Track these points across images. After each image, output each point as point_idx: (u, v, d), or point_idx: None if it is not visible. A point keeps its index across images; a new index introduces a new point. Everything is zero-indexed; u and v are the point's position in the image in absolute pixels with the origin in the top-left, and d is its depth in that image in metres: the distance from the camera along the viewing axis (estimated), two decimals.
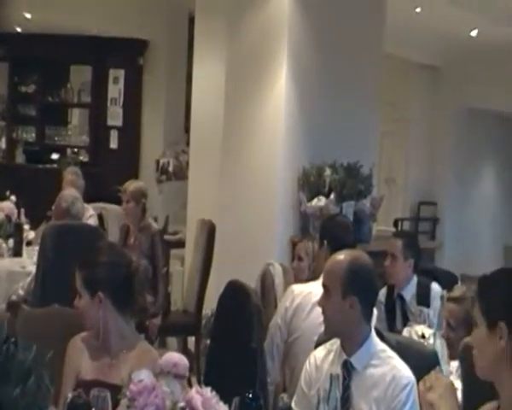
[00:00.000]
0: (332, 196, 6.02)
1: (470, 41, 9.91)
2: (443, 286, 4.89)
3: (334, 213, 5.75)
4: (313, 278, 4.04)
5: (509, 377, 2.11)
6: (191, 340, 6.30)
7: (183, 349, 6.22)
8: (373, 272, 2.95)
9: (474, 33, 9.52)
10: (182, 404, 2.21)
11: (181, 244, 7.56)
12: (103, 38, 9.46)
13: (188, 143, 7.83)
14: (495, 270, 2.22)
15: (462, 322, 3.55)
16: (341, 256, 2.95)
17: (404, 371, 2.85)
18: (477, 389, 2.36)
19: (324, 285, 2.96)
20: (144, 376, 2.27)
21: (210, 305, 5.47)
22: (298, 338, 3.93)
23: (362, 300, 2.88)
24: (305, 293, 3.94)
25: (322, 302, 2.96)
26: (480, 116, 11.53)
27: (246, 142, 6.26)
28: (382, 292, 5.02)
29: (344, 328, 2.90)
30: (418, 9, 8.41)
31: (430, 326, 4.19)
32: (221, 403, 2.28)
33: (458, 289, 3.63)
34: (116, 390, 2.42)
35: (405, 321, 4.72)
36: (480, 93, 11.07)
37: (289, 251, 5.84)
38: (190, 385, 2.49)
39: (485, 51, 10.47)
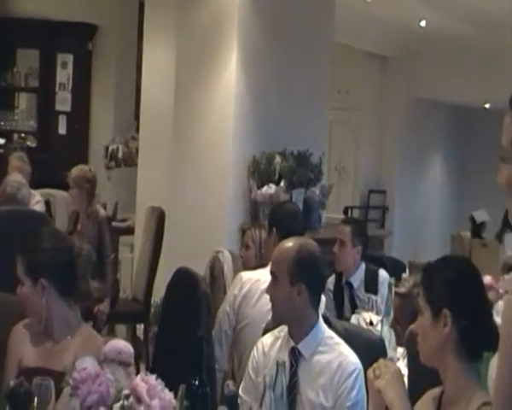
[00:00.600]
0: (282, 183, 6.03)
1: (420, 31, 10.00)
2: (390, 273, 4.94)
3: (283, 200, 5.75)
4: (262, 265, 4.03)
5: (452, 363, 2.12)
6: (140, 328, 6.26)
7: (132, 337, 6.17)
8: (320, 259, 2.95)
9: (423, 23, 9.60)
10: (126, 392, 2.18)
11: (130, 231, 7.50)
12: (52, 21, 9.29)
13: (137, 130, 7.75)
14: (439, 258, 2.24)
15: (408, 316, 3.59)
16: (289, 244, 2.95)
17: (351, 358, 2.86)
18: (422, 376, 2.38)
19: (272, 273, 2.95)
20: (88, 363, 2.24)
21: (159, 292, 5.44)
22: (246, 325, 3.93)
23: (309, 287, 2.88)
24: (253, 280, 3.94)
25: (270, 290, 2.96)
26: (429, 106, 11.66)
27: (196, 129, 6.23)
28: (331, 280, 5.05)
29: (292, 315, 2.90)
30: None
31: (378, 313, 4.22)
32: (166, 390, 2.26)
33: (405, 285, 3.65)
34: (60, 378, 2.38)
35: (354, 308, 4.74)
36: (429, 83, 11.19)
37: (239, 239, 5.83)
38: (139, 373, 2.46)
39: (435, 42, 10.58)
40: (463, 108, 12.34)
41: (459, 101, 11.71)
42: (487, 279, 3.34)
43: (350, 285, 4.99)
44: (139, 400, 2.14)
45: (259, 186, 6.05)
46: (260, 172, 6.10)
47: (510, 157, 1.56)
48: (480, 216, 9.81)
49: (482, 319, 2.13)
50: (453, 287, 2.14)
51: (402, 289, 3.56)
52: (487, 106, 11.78)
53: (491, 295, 2.60)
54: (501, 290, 3.20)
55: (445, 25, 9.51)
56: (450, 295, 2.13)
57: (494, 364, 1.55)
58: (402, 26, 9.87)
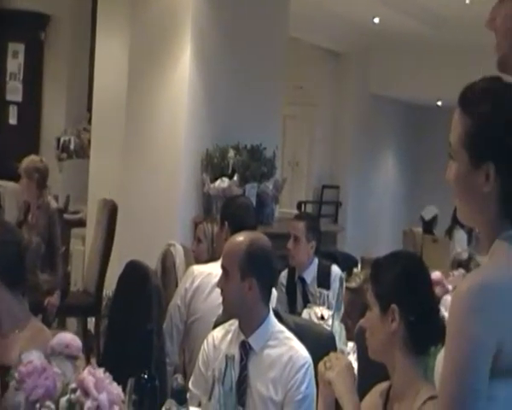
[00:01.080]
0: (235, 177, 6.03)
1: (373, 28, 10.07)
2: (343, 268, 4.97)
3: (236, 194, 5.74)
4: (214, 259, 4.02)
5: (400, 358, 2.14)
6: (91, 321, 6.21)
7: (83, 330, 6.12)
8: (271, 253, 2.95)
9: (376, 20, 9.67)
10: (73, 385, 2.15)
11: (82, 224, 7.43)
12: (3, 10, 9.14)
13: (90, 122, 7.67)
14: (388, 253, 2.25)
15: (358, 311, 3.62)
16: (240, 238, 2.94)
17: (302, 352, 2.87)
18: (371, 370, 2.40)
19: (223, 267, 2.95)
20: (34, 357, 2.21)
21: (111, 285, 5.39)
22: (197, 319, 3.91)
23: (260, 281, 2.88)
24: (205, 274, 3.92)
25: (221, 284, 2.95)
26: (383, 102, 11.75)
27: (149, 122, 6.20)
28: (284, 274, 5.06)
29: (242, 309, 2.90)
30: None
31: (329, 308, 4.25)
32: (115, 384, 2.24)
33: (356, 279, 3.68)
34: (6, 372, 2.34)
35: (306, 303, 4.76)
36: (383, 80, 11.28)
37: (192, 232, 5.81)
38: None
39: (388, 39, 10.67)
40: (416, 105, 12.47)
41: (412, 98, 11.83)
42: (436, 275, 3.38)
43: (303, 280, 5.00)
44: (86, 393, 2.11)
45: (212, 180, 6.04)
46: (213, 165, 6.09)
47: (458, 154, 1.57)
48: (429, 213, 9.92)
49: (429, 314, 2.15)
50: (401, 282, 2.16)
51: (353, 284, 3.59)
52: (439, 103, 11.92)
53: (438, 290, 2.64)
54: (450, 286, 3.24)
55: (398, 22, 9.59)
56: (398, 291, 2.15)
57: (440, 358, 1.57)
58: (356, 22, 9.93)
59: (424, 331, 2.13)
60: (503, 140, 1.50)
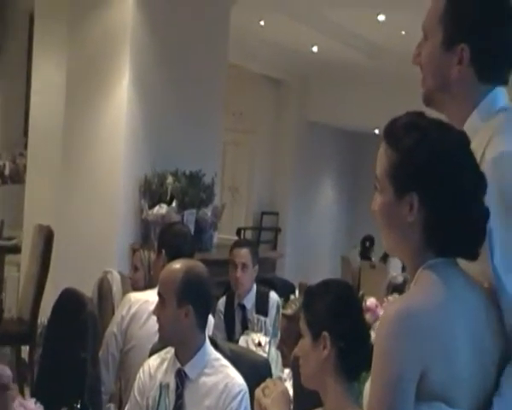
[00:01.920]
0: (174, 203, 6.01)
1: (312, 56, 10.21)
2: (280, 295, 4.98)
3: (175, 221, 5.72)
4: (151, 286, 4.00)
5: (331, 385, 2.16)
6: (25, 349, 6.08)
7: (17, 359, 5.99)
8: (208, 281, 2.96)
9: (315, 49, 9.80)
10: None
11: (17, 250, 7.30)
12: None
13: (26, 146, 7.56)
14: (319, 282, 2.28)
15: (294, 338, 3.63)
16: (177, 265, 2.94)
17: (237, 380, 2.87)
18: (307, 397, 2.41)
19: (159, 294, 2.94)
20: None
21: (46, 313, 5.30)
22: (133, 347, 3.88)
23: (197, 309, 2.88)
24: (141, 301, 3.90)
25: (158, 311, 2.94)
26: (322, 130, 11.88)
27: (86, 147, 6.14)
28: (221, 301, 5.05)
29: (178, 337, 2.89)
30: (262, 23, 8.56)
31: (267, 334, 4.26)
32: None
33: (291, 306, 3.70)
34: None
35: (244, 330, 4.76)
36: (321, 108, 11.42)
37: (130, 259, 5.76)
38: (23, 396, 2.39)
39: (327, 67, 10.82)
40: (354, 133, 12.63)
41: (350, 126, 11.99)
42: (371, 301, 3.42)
43: (243, 307, 5.00)
44: None
45: (151, 206, 6.01)
46: (152, 191, 6.06)
47: (383, 186, 1.61)
48: (368, 240, 10.06)
49: (360, 340, 2.18)
50: (332, 310, 2.19)
51: (288, 311, 3.60)
52: (377, 131, 12.11)
53: (368, 317, 2.67)
54: (381, 313, 3.28)
55: (337, 51, 9.74)
56: (329, 318, 2.18)
57: (368, 384, 1.60)
58: (295, 50, 10.05)
59: (355, 358, 2.15)
60: (426, 172, 1.54)
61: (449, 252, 1.57)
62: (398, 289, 7.49)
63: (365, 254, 10.13)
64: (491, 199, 1.57)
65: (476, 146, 1.63)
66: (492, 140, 1.65)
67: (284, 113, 11.40)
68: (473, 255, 1.56)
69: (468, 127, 1.71)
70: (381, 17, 7.94)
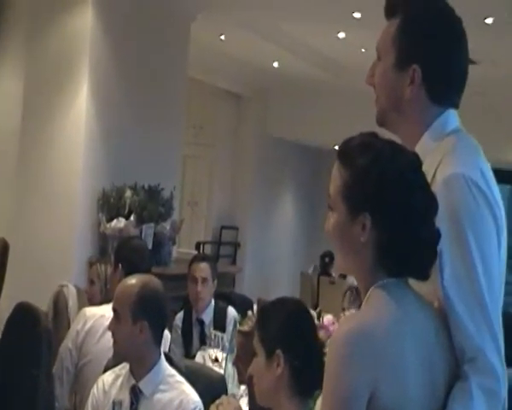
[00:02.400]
0: (132, 217, 5.99)
1: (273, 71, 10.25)
2: (238, 310, 4.97)
3: (133, 235, 5.70)
4: (107, 300, 3.97)
5: (285, 403, 2.17)
6: None
7: None
8: (163, 296, 2.95)
9: (276, 64, 9.85)
10: None
11: None
12: None
13: None
14: (273, 300, 2.29)
15: (250, 354, 3.62)
16: (132, 281, 2.93)
17: (192, 396, 2.87)
18: None
19: (114, 310, 2.93)
20: None
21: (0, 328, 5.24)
22: (89, 362, 3.84)
23: (152, 325, 2.87)
24: (97, 316, 3.87)
25: (113, 327, 2.93)
26: (282, 145, 11.90)
27: (44, 159, 6.09)
28: (179, 316, 5.03)
29: (133, 353, 2.88)
30: (223, 37, 8.57)
31: (224, 350, 4.25)
32: None
33: (248, 323, 3.69)
34: None
35: (202, 345, 4.75)
36: (282, 123, 11.46)
37: (87, 272, 5.71)
38: None
39: (287, 83, 10.87)
40: (314, 149, 12.68)
41: (310, 141, 12.03)
42: (328, 318, 3.42)
43: (201, 322, 4.99)
44: None
45: (109, 220, 5.98)
46: (110, 205, 6.03)
47: (336, 205, 1.62)
48: (327, 255, 10.10)
49: (313, 358, 2.19)
50: (286, 328, 2.20)
51: (245, 328, 3.60)
52: (337, 147, 12.13)
53: (322, 334, 2.68)
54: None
55: (297, 67, 9.79)
56: (282, 336, 2.18)
57: (320, 401, 1.61)
58: (256, 65, 10.08)
59: (309, 376, 2.16)
60: (378, 192, 1.56)
61: (400, 272, 1.58)
62: (358, 291, 7.49)
63: (324, 269, 10.16)
64: (441, 220, 1.59)
65: (428, 167, 1.65)
66: (443, 161, 1.68)
67: (245, 127, 11.41)
68: (424, 276, 1.58)
69: (420, 148, 1.73)
70: (342, 34, 8.01)
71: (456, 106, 1.80)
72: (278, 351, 2.16)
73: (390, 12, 1.81)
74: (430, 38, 1.75)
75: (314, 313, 3.60)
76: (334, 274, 10.00)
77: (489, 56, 7.99)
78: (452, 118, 1.78)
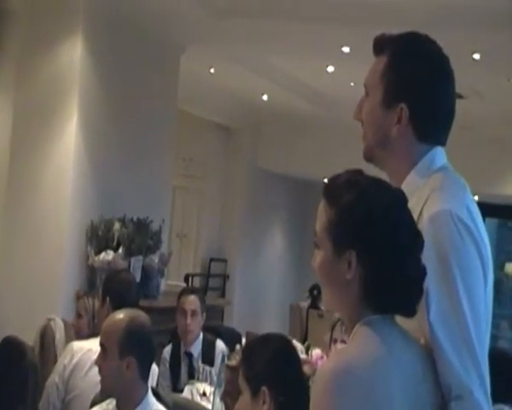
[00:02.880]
0: (120, 250, 5.97)
1: (262, 104, 10.30)
2: (227, 343, 4.95)
3: (122, 267, 5.69)
4: (95, 334, 3.94)
5: None
6: None
7: None
8: (151, 332, 2.94)
9: (265, 97, 9.90)
10: None
11: None
12: None
13: None
14: (257, 337, 2.29)
15: (238, 389, 3.60)
16: (119, 316, 2.92)
17: None
18: None
19: (102, 345, 2.91)
20: None
21: None
22: (75, 397, 3.80)
23: (139, 360, 2.85)
24: (84, 350, 3.84)
25: (99, 362, 2.91)
26: (271, 177, 11.92)
27: (32, 190, 6.07)
28: (167, 349, 5.01)
29: (120, 388, 2.86)
30: (212, 70, 8.62)
31: (212, 384, 4.22)
32: None
33: (235, 357, 3.68)
34: None
35: (190, 379, 4.72)
36: (271, 156, 11.48)
37: (75, 306, 5.69)
38: None
39: (276, 116, 10.92)
40: (304, 182, 12.70)
41: (300, 174, 12.06)
42: (316, 353, 3.41)
43: (190, 355, 4.97)
44: None
45: (97, 252, 5.96)
46: (98, 237, 6.02)
47: (322, 243, 1.62)
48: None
49: (299, 394, 2.18)
50: (270, 365, 2.19)
51: (233, 362, 3.57)
52: (326, 181, 12.16)
53: (306, 369, 2.67)
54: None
55: (287, 100, 9.85)
56: (267, 374, 2.18)
57: None
58: (245, 98, 10.13)
59: None
60: (363, 230, 1.56)
61: (386, 309, 1.58)
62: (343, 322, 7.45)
63: (313, 302, 10.13)
64: (428, 257, 1.59)
65: (414, 204, 1.65)
66: (430, 198, 1.68)
67: (234, 159, 11.43)
68: (410, 312, 1.58)
69: (407, 185, 1.74)
70: (331, 68, 8.06)
71: (443, 143, 1.81)
72: (264, 388, 2.15)
73: (378, 49, 1.82)
74: (417, 77, 1.76)
75: (302, 347, 3.59)
76: (322, 307, 9.97)
77: (477, 91, 8.07)
78: (439, 155, 1.79)
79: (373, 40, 1.83)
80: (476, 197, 11.48)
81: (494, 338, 13.12)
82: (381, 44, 1.82)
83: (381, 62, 1.80)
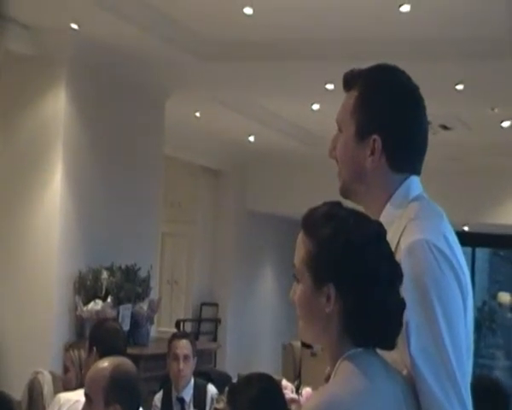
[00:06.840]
0: (109, 299, 5.94)
1: (249, 146, 10.33)
2: (218, 387, 4.92)
3: (110, 316, 5.64)
4: (83, 385, 3.88)
5: None
6: None
7: None
8: (136, 378, 2.89)
9: (251, 139, 9.93)
10: None
11: None
12: None
13: None
14: (243, 377, 2.26)
15: None
16: (103, 364, 2.87)
17: None
18: None
19: (86, 394, 2.86)
20: None
21: None
22: None
23: (125, 408, 2.80)
24: (72, 401, 3.78)
25: None
26: (261, 218, 11.92)
27: (18, 243, 6.05)
28: (158, 396, 4.96)
29: None
30: (198, 114, 8.64)
31: None
32: None
33: (223, 400, 3.65)
34: None
35: None
36: (259, 196, 11.49)
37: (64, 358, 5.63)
38: None
39: (264, 156, 10.95)
40: (293, 220, 12.69)
41: (289, 214, 12.05)
42: (307, 391, 3.37)
43: (181, 401, 4.91)
44: None
45: (86, 302, 5.92)
46: (86, 287, 5.98)
47: (301, 276, 1.61)
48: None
49: None
50: (255, 405, 2.16)
51: (220, 405, 3.54)
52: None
53: (294, 408, 2.64)
54: None
55: (273, 140, 9.88)
56: None
57: None
58: (232, 140, 10.16)
59: None
60: (342, 262, 1.54)
61: (367, 342, 1.56)
62: None
63: (305, 342, 10.07)
64: (406, 288, 1.57)
65: (392, 236, 1.64)
66: (407, 228, 1.67)
67: (223, 202, 11.43)
68: (390, 346, 1.56)
69: (384, 217, 1.72)
70: (316, 106, 8.10)
71: (418, 172, 1.80)
72: None
73: (348, 85, 1.83)
74: (388, 107, 1.75)
75: (293, 386, 3.55)
76: (314, 347, 9.90)
77: (463, 122, 8.10)
78: (414, 184, 1.78)
79: (342, 77, 1.83)
80: (466, 228, 11.51)
81: (489, 368, 12.98)
82: (351, 80, 1.82)
83: (352, 97, 1.80)
